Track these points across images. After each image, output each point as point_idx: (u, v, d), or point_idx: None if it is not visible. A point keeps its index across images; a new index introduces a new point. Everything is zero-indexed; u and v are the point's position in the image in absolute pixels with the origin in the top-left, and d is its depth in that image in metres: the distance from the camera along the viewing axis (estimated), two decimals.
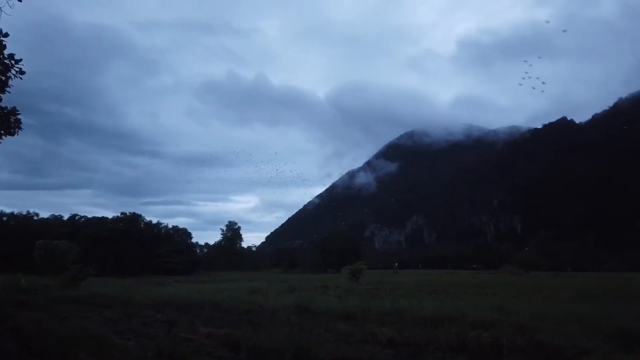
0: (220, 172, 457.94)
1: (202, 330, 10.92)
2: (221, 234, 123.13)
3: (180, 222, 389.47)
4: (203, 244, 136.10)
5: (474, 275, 72.03)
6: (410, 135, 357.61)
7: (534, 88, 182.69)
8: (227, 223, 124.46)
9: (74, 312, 15.66)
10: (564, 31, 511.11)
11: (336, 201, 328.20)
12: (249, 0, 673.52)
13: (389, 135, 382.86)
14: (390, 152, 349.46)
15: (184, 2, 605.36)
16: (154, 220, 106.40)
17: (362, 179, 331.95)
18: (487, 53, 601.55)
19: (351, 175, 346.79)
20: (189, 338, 10.05)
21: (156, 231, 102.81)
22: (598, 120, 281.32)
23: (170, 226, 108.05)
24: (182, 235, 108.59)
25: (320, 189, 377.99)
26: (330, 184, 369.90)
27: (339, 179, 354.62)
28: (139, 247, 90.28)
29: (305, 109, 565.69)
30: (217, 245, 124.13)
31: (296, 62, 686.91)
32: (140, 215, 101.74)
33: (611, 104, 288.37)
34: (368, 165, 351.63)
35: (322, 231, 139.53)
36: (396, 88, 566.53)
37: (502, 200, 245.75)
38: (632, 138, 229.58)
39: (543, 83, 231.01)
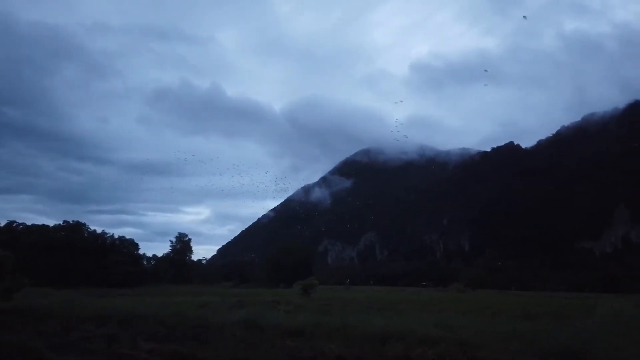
0: (171, 182, 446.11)
1: (144, 346, 10.50)
2: (170, 246, 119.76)
3: (127, 232, 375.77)
4: (151, 255, 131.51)
5: (423, 292, 73.47)
6: (366, 152, 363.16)
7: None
8: (176, 234, 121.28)
9: (6, 325, 14.67)
10: (514, 58, 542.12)
11: (291, 216, 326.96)
12: (204, 10, 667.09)
13: (345, 151, 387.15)
14: (346, 168, 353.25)
15: (137, 6, 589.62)
16: (99, 230, 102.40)
17: (318, 194, 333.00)
18: (438, 77, 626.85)
19: (306, 190, 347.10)
20: (129, 354, 9.63)
21: (101, 241, 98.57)
22: (543, 146, 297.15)
23: (116, 236, 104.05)
24: (128, 246, 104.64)
25: (275, 203, 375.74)
26: (286, 198, 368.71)
27: (294, 193, 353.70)
28: (82, 257, 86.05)
29: (261, 121, 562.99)
30: (166, 257, 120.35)
31: (252, 75, 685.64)
32: (84, 224, 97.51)
33: (554, 131, 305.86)
34: (323, 180, 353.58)
35: (276, 245, 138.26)
36: (351, 105, 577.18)
37: (451, 219, 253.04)
38: (573, 164, 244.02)
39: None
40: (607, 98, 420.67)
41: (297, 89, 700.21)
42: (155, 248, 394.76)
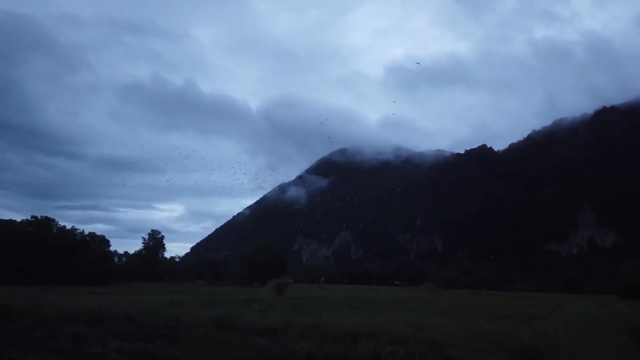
0: (144, 178, 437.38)
1: (113, 344, 10.31)
2: (142, 243, 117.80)
3: (98, 228, 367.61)
4: (122, 252, 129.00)
5: (395, 291, 74.30)
6: (342, 152, 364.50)
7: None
8: (149, 231, 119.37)
9: None
10: (418, 63, 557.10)
11: (266, 214, 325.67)
12: (180, 5, 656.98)
13: (322, 151, 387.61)
14: (322, 167, 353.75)
15: None
16: (69, 226, 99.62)
17: (293, 193, 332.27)
18: (412, 79, 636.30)
19: (282, 188, 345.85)
20: (97, 353, 9.45)
21: (70, 237, 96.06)
22: (514, 150, 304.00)
23: (86, 232, 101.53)
24: (99, 242, 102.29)
25: (250, 201, 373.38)
26: (261, 196, 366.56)
27: (270, 191, 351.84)
28: (50, 254, 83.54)
29: (237, 119, 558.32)
30: (138, 254, 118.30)
31: (228, 72, 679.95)
32: (53, 220, 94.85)
33: (525, 135, 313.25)
34: (300, 179, 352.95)
35: (251, 244, 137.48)
36: (327, 105, 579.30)
37: (425, 220, 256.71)
38: (542, 168, 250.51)
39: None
40: (576, 104, 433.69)
41: (273, 88, 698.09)
42: (127, 245, 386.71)
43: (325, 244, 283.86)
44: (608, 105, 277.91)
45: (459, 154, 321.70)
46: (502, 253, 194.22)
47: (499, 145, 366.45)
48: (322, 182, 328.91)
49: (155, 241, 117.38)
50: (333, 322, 13.82)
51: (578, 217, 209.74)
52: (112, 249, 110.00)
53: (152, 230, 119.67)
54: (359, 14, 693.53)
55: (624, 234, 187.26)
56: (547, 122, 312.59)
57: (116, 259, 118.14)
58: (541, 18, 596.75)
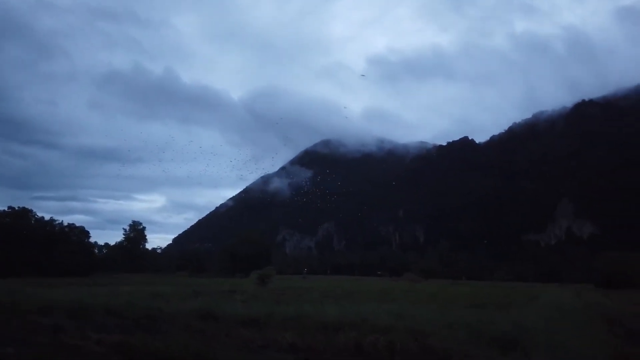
0: (124, 169, 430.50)
1: (93, 336, 10.21)
2: (123, 234, 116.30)
3: (77, 219, 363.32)
4: (102, 244, 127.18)
5: (378, 281, 74.97)
6: (326, 143, 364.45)
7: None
8: (130, 223, 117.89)
9: None
10: (363, 75, 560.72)
11: (249, 205, 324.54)
12: None
13: (305, 142, 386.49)
14: (306, 159, 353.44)
15: None
16: (47, 217, 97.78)
17: (277, 184, 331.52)
18: (395, 71, 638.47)
19: (266, 180, 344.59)
20: (76, 344, 9.34)
21: (49, 228, 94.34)
22: (495, 142, 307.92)
23: (65, 224, 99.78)
24: (78, 234, 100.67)
25: (233, 192, 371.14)
26: (244, 187, 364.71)
27: (253, 183, 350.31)
28: (28, 245, 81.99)
29: (219, 109, 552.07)
30: (118, 246, 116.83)
31: (209, 62, 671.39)
32: (30, 211, 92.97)
33: (506, 128, 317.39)
34: (283, 170, 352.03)
35: (234, 235, 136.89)
36: (310, 96, 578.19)
37: (407, 211, 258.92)
38: (522, 159, 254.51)
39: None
40: (556, 97, 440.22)
41: (255, 79, 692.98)
42: (108, 236, 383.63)
43: (309, 235, 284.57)
44: (587, 98, 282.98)
45: (441, 146, 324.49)
46: (483, 244, 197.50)
47: (481, 137, 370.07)
48: (305, 174, 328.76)
49: (136, 232, 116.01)
50: (316, 312, 13.91)
51: (556, 208, 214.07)
52: (91, 240, 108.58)
53: (133, 221, 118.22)
54: (340, 5, 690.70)
55: (601, 225, 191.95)
56: (527, 114, 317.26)
57: (96, 251, 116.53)
58: (521, 11, 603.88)
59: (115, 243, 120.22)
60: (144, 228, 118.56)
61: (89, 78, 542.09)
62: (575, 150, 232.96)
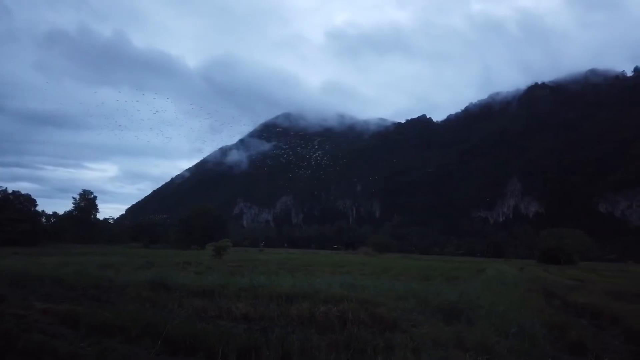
0: (74, 135, 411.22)
1: (38, 306, 9.89)
2: (73, 204, 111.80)
3: (23, 187, 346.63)
4: (51, 213, 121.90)
5: (333, 255, 76.31)
6: (287, 116, 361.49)
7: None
8: (80, 191, 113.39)
9: None
10: (426, 33, 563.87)
11: (206, 177, 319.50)
12: None
13: (265, 115, 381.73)
14: (266, 132, 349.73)
15: None
16: None
17: (235, 156, 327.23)
18: (354, 46, 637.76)
19: (224, 151, 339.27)
20: (20, 314, 9.02)
21: None
22: (452, 121, 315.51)
23: (10, 191, 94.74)
24: (24, 202, 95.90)
25: (189, 163, 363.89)
26: (201, 159, 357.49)
27: (211, 154, 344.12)
28: None
29: (174, 77, 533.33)
30: (68, 215, 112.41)
31: (163, 26, 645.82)
32: None
33: (463, 107, 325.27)
34: (242, 143, 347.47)
35: (190, 206, 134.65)
36: (268, 67, 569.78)
37: (365, 186, 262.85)
38: (475, 139, 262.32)
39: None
40: (510, 78, 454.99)
41: (211, 46, 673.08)
42: (57, 205, 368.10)
43: (267, 208, 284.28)
44: (540, 81, 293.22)
45: (399, 123, 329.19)
46: (435, 219, 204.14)
47: (438, 115, 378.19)
48: (264, 146, 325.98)
49: (86, 202, 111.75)
50: (270, 283, 14.05)
51: (506, 187, 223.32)
52: (39, 208, 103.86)
53: (84, 190, 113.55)
54: None
55: (545, 204, 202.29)
56: (483, 94, 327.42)
57: (44, 220, 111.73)
58: None
59: (65, 212, 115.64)
60: (95, 197, 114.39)
61: (31, 38, 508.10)
62: (526, 131, 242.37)
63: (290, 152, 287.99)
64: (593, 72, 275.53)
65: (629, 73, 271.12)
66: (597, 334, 10.89)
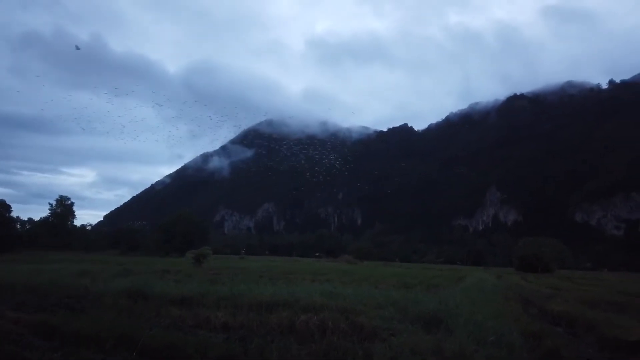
0: (50, 140, 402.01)
1: (10, 315, 9.62)
2: (49, 210, 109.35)
3: None
4: (26, 219, 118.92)
5: (315, 262, 76.10)
6: (269, 123, 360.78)
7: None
8: (57, 197, 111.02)
9: None
10: (406, 42, 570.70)
11: (187, 183, 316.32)
12: None
13: (247, 121, 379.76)
14: (248, 138, 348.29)
15: None
16: None
17: (216, 163, 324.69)
18: (334, 54, 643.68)
19: (205, 158, 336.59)
20: None
21: None
22: (433, 130, 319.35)
23: None
24: None
25: (170, 169, 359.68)
26: (182, 165, 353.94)
27: (192, 160, 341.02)
28: None
29: (153, 82, 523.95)
30: (44, 221, 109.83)
31: (142, 31, 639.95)
32: None
33: (444, 117, 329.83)
34: (223, 149, 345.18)
35: (170, 213, 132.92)
36: (249, 74, 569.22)
37: (346, 194, 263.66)
38: (456, 148, 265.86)
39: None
40: (490, 88, 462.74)
41: (191, 51, 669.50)
42: (32, 211, 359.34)
43: (248, 215, 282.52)
44: (518, 92, 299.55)
45: (381, 132, 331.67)
46: (416, 227, 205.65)
47: (420, 124, 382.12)
48: (246, 153, 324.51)
49: (63, 208, 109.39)
50: (249, 292, 13.93)
51: (485, 195, 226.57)
52: (13, 214, 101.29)
53: (60, 196, 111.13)
54: None
55: (524, 212, 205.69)
56: (463, 104, 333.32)
57: (19, 226, 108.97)
58: (454, 3, 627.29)
59: (41, 219, 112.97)
60: (72, 203, 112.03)
61: (5, 40, 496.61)
62: (505, 140, 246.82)
63: (273, 159, 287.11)
64: (570, 84, 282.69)
65: (604, 85, 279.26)
66: (572, 342, 11.09)
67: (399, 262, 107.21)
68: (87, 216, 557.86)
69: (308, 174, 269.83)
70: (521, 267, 73.99)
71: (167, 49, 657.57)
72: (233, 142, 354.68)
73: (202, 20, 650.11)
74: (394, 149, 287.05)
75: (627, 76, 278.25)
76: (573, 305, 17.07)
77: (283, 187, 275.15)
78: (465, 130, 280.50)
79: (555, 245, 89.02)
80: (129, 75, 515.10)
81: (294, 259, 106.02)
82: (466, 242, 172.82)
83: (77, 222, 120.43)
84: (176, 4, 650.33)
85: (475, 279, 31.74)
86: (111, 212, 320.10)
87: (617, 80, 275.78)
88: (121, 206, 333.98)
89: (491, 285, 25.54)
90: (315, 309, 11.21)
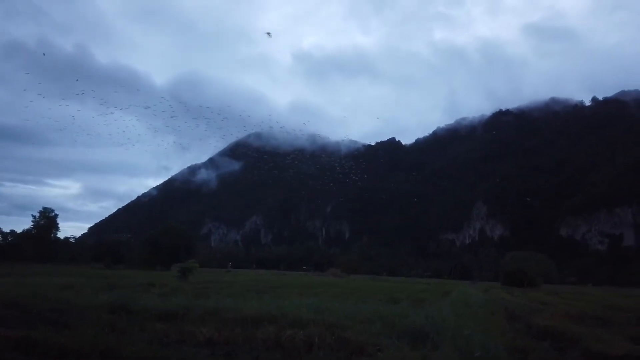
0: (34, 151, 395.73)
1: None
2: (32, 222, 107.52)
3: None
4: (8, 231, 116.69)
5: (302, 276, 75.73)
6: (258, 135, 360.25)
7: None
8: (41, 209, 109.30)
9: None
10: (392, 57, 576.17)
11: (174, 196, 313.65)
12: None
13: (234, 134, 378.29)
14: (236, 151, 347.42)
15: None
16: None
17: (204, 175, 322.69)
18: (320, 68, 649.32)
19: (192, 170, 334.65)
20: None
21: None
22: (420, 144, 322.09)
23: None
24: None
25: (156, 182, 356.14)
26: (169, 177, 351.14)
27: (179, 173, 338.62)
28: None
29: (140, 93, 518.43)
30: (27, 233, 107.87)
31: (128, 42, 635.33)
32: None
33: (431, 131, 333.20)
34: (211, 162, 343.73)
35: (156, 225, 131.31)
36: (237, 86, 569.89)
37: (334, 207, 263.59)
38: (443, 162, 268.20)
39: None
40: (476, 103, 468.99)
41: (178, 63, 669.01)
42: (15, 223, 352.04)
43: (235, 228, 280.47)
44: (503, 108, 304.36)
45: (369, 145, 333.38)
46: (404, 240, 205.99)
47: (407, 138, 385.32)
48: (234, 165, 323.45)
49: (47, 220, 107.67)
50: (235, 306, 13.79)
51: (472, 210, 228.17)
52: None
53: (44, 208, 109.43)
54: None
55: (510, 227, 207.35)
56: (450, 118, 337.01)
57: (0, 238, 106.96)
58: (438, 20, 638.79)
59: (23, 230, 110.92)
60: (56, 215, 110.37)
61: None
62: (491, 155, 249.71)
63: (260, 172, 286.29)
64: (554, 101, 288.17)
65: (587, 102, 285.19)
66: (558, 357, 11.15)
67: (386, 276, 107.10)
68: (71, 228, 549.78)
69: (296, 187, 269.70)
70: (507, 281, 74.42)
71: (154, 60, 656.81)
72: (221, 154, 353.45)
73: (189, 33, 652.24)
74: (382, 163, 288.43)
75: (609, 93, 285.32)
76: (558, 319, 17.19)
77: (271, 200, 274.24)
78: (452, 145, 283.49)
79: (541, 259, 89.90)
80: (115, 86, 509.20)
81: (282, 272, 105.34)
82: (453, 256, 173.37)
83: (61, 235, 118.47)
84: (163, 16, 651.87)
85: (462, 293, 31.82)
86: (96, 224, 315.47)
87: (600, 98, 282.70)
88: (106, 218, 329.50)
89: (477, 300, 25.63)
90: (302, 324, 11.12)
